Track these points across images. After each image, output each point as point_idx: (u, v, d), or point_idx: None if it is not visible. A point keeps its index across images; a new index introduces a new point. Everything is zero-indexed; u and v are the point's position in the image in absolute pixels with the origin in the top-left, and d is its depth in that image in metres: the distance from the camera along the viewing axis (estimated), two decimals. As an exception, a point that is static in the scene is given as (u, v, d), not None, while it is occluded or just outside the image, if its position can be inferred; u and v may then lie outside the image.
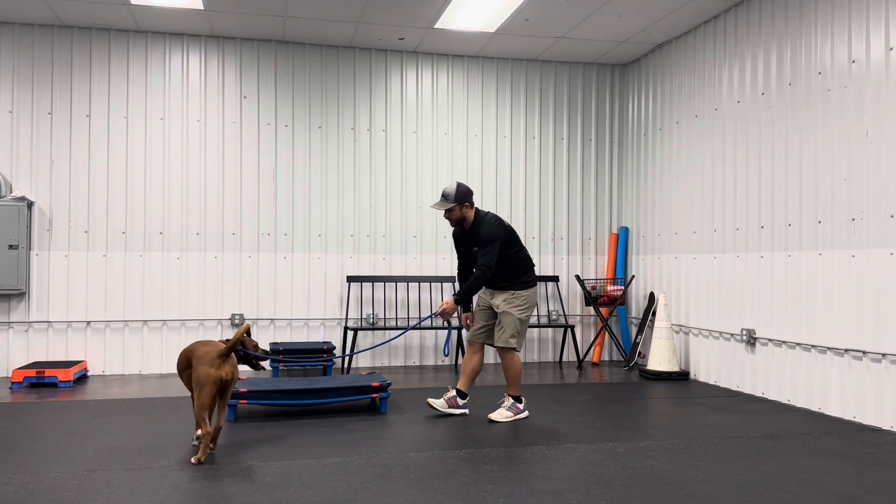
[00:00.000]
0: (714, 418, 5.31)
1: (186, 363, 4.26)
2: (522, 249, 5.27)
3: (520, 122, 8.30)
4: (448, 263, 8.02)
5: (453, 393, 5.35)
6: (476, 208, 5.26)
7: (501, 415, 5.16)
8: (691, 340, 7.15)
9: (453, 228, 5.36)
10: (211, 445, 4.21)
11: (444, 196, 5.16)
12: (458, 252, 5.45)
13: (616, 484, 3.71)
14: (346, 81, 7.87)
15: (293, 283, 7.67)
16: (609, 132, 8.53)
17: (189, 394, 4.78)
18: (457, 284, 7.98)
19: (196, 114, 7.52)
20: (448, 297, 5.20)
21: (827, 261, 5.46)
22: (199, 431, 4.08)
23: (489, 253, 5.03)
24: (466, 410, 5.37)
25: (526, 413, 5.27)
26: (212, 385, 4.03)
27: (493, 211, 8.15)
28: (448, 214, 5.20)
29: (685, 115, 7.29)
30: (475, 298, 5.42)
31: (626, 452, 4.33)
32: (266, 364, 7.24)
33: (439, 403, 5.31)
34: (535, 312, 5.19)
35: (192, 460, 4.02)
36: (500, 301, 5.16)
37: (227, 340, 4.23)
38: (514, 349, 5.15)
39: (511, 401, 5.21)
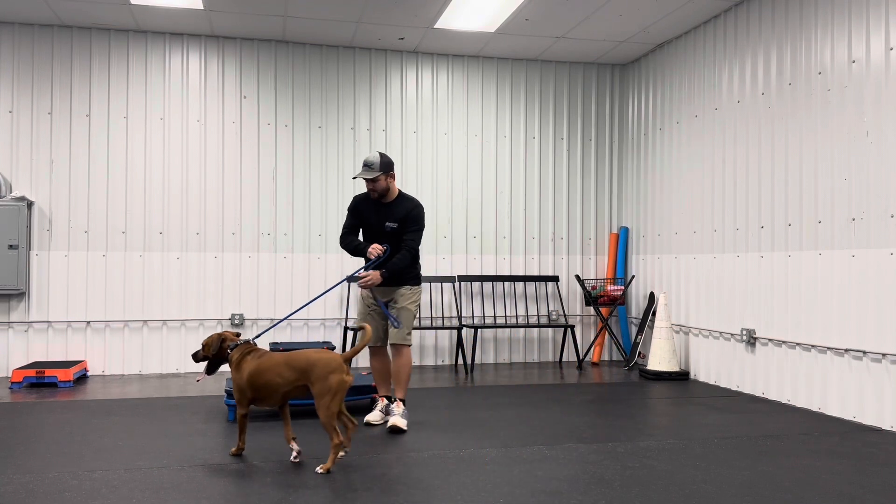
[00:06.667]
0: (714, 418, 5.31)
1: (297, 374, 3.97)
2: None
3: (520, 122, 8.30)
4: (448, 263, 8.03)
5: (385, 402, 5.12)
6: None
7: (404, 422, 4.85)
8: (691, 340, 7.16)
9: (360, 200, 5.09)
10: (347, 449, 4.10)
11: (369, 165, 4.86)
12: (352, 219, 5.09)
13: (616, 484, 3.71)
14: (346, 81, 7.88)
15: (293, 283, 7.67)
16: (609, 132, 8.53)
17: (245, 405, 4.22)
18: (458, 284, 8.00)
19: (196, 114, 7.52)
20: (377, 272, 4.82)
21: (827, 261, 5.46)
22: (296, 453, 4.06)
23: (417, 238, 4.96)
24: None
25: None
26: (343, 392, 3.93)
27: (491, 211, 8.17)
28: (373, 185, 4.91)
29: (685, 115, 7.29)
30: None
31: (626, 452, 4.33)
32: None
33: (376, 417, 5.07)
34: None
35: (319, 470, 3.85)
36: (397, 297, 5.01)
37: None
38: (410, 345, 5.02)
39: (403, 406, 4.93)
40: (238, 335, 4.33)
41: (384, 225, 4.98)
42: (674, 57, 7.51)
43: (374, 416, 5.08)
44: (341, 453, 4.05)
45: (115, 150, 7.34)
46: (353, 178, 5.00)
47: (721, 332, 6.69)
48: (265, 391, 4.04)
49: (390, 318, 4.88)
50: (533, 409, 5.55)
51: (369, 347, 5.08)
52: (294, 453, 4.08)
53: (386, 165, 4.90)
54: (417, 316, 7.77)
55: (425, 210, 5.00)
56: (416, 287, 5.09)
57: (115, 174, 7.33)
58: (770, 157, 6.09)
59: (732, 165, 6.55)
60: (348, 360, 4.00)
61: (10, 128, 7.13)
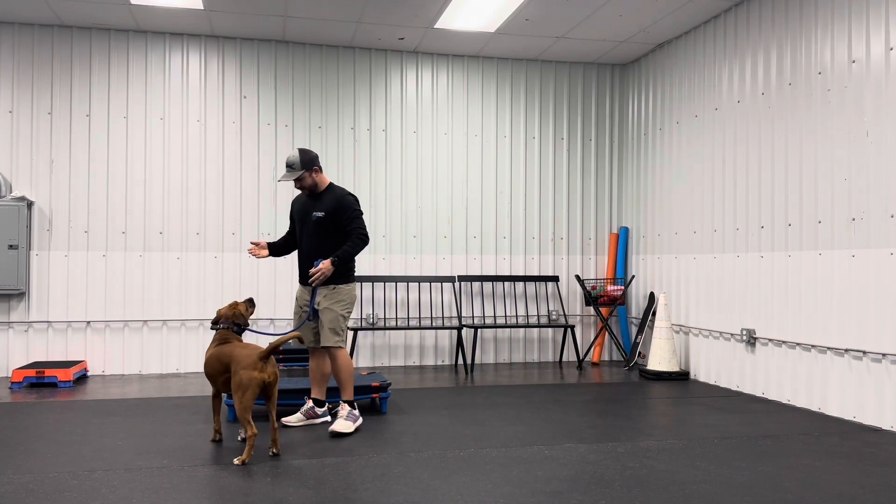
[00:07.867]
0: (714, 418, 5.31)
1: (223, 368, 4.26)
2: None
3: (520, 122, 8.30)
4: (448, 263, 8.03)
5: (311, 404, 5.05)
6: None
7: (346, 426, 4.73)
8: (691, 340, 7.16)
9: (295, 198, 5.13)
10: (274, 450, 4.19)
11: (290, 166, 4.84)
12: (290, 222, 5.16)
13: (616, 484, 3.71)
14: (346, 81, 7.88)
15: (293, 283, 7.67)
16: (609, 132, 8.53)
17: (210, 394, 4.89)
18: (458, 284, 7.99)
19: (196, 114, 7.52)
20: (327, 261, 4.76)
21: (827, 261, 5.46)
22: (243, 433, 4.32)
23: (361, 223, 4.87)
24: (328, 418, 5.09)
25: (361, 419, 4.93)
26: (255, 388, 4.08)
27: (488, 211, 8.16)
28: (300, 184, 4.91)
29: (685, 115, 7.29)
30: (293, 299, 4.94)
31: (626, 452, 4.33)
32: None
33: (296, 419, 4.99)
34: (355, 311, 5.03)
35: (236, 461, 4.02)
36: (319, 298, 4.87)
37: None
38: (342, 347, 4.86)
39: (348, 408, 4.82)
40: (250, 305, 4.69)
41: (311, 215, 4.90)
42: (674, 57, 7.51)
43: (292, 418, 4.99)
44: (274, 449, 4.22)
45: (115, 150, 7.34)
46: (278, 181, 4.93)
47: (721, 332, 6.69)
48: (210, 379, 4.43)
49: (310, 310, 4.87)
50: (533, 409, 5.55)
51: (308, 348, 5.06)
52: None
53: (307, 162, 4.85)
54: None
55: (354, 196, 4.94)
56: (345, 286, 4.90)
57: (115, 174, 7.33)
58: (770, 157, 6.09)
59: (732, 165, 6.55)
60: (265, 357, 4.15)
61: (10, 128, 7.13)
